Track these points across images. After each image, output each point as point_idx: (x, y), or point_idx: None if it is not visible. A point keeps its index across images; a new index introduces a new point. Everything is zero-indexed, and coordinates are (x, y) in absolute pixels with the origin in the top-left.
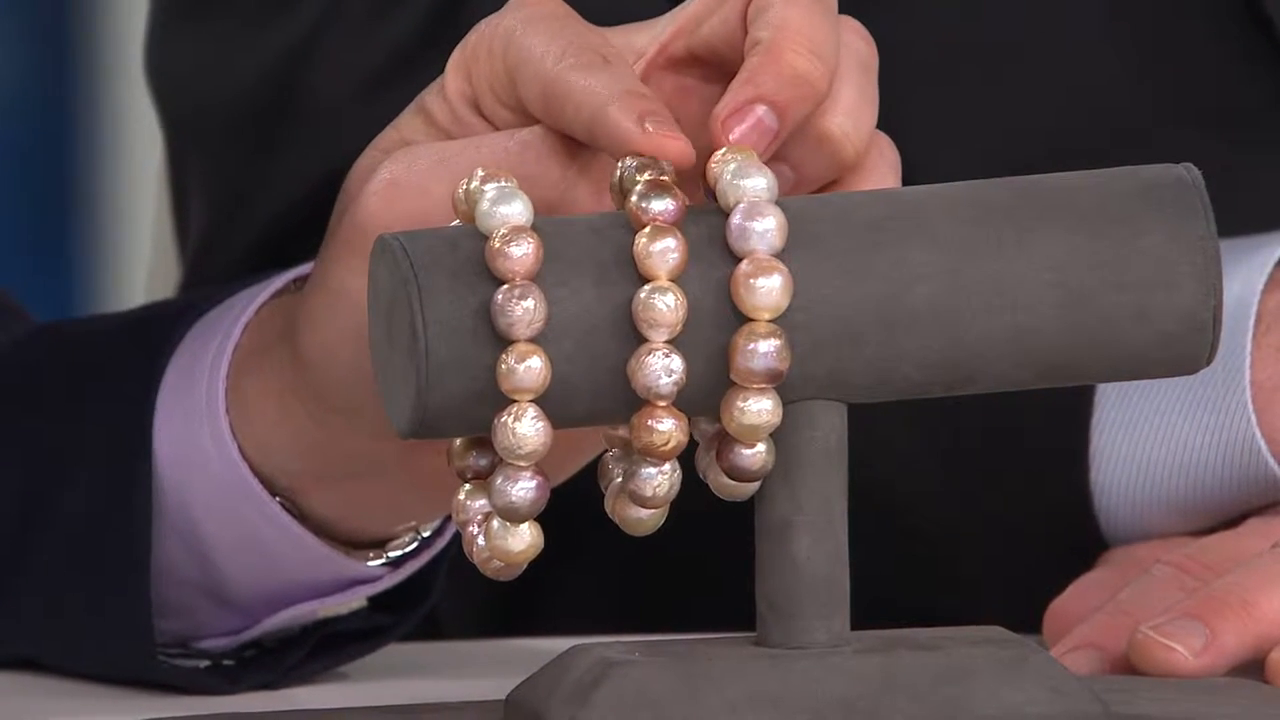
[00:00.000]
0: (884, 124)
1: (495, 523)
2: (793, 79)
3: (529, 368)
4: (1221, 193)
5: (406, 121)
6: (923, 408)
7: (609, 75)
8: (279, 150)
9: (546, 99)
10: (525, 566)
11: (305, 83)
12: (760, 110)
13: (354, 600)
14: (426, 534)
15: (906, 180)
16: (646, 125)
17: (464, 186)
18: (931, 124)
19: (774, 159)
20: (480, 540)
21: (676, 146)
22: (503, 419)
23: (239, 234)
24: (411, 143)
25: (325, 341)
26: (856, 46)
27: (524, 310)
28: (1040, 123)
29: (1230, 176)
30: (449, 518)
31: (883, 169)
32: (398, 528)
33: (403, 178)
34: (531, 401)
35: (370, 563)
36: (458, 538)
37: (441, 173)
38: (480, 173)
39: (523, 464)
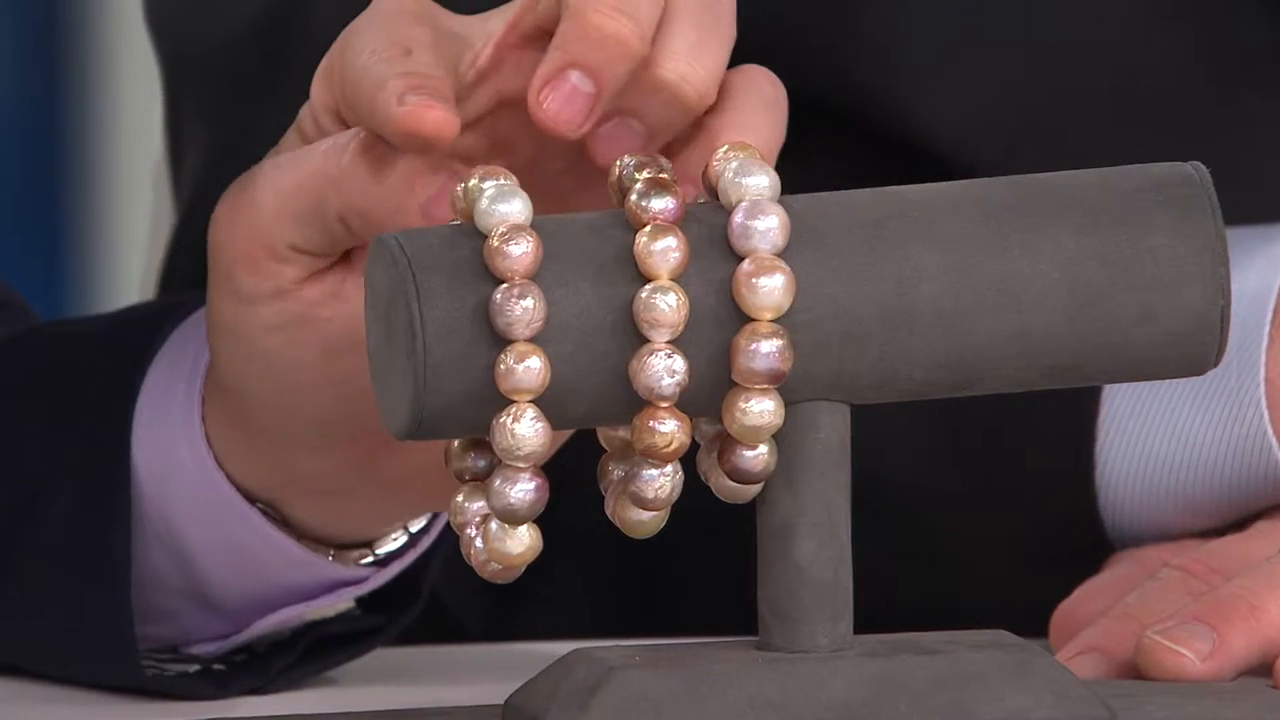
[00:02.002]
0: (902, 80)
1: (493, 525)
2: (600, 40)
3: (528, 368)
4: (1248, 145)
5: (286, 136)
6: (926, 408)
7: (399, 64)
8: (276, 94)
9: (348, 97)
10: (524, 569)
11: (303, 26)
12: (574, 77)
13: (341, 602)
14: (415, 529)
15: (924, 145)
16: (406, 99)
17: (462, 185)
18: (945, 84)
19: (618, 112)
20: (478, 543)
21: (434, 116)
22: (501, 420)
23: (234, 179)
24: None
25: (236, 373)
26: None
27: (523, 310)
28: (1057, 76)
29: (1257, 128)
30: (437, 515)
31: (754, 104)
32: (384, 529)
33: (238, 194)
34: (530, 402)
35: (360, 562)
36: (445, 535)
37: (268, 184)
38: (479, 170)
39: (521, 465)
